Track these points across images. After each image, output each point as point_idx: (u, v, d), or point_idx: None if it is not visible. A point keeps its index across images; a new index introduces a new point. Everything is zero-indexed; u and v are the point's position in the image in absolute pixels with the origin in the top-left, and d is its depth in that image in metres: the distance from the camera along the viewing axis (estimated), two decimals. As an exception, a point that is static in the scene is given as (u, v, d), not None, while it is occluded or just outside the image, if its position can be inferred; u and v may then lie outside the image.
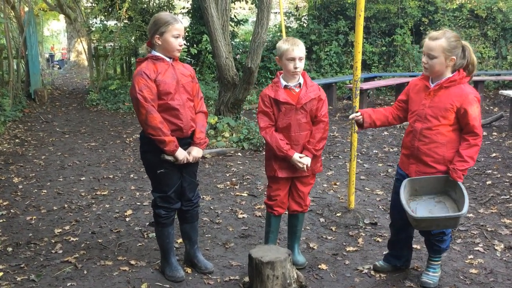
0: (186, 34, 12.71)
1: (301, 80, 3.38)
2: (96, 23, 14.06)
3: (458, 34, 3.07)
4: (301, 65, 3.31)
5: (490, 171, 5.86)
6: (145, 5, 13.48)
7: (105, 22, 13.89)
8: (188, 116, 3.25)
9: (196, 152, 3.30)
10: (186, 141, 3.30)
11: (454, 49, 2.97)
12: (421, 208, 3.08)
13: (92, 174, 6.07)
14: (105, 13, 13.43)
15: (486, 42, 13.36)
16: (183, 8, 14.02)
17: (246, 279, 3.34)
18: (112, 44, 13.34)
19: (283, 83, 3.37)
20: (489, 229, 4.20)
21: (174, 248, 3.63)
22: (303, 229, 4.22)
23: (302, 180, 3.49)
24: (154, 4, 14.05)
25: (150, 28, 3.20)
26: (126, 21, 12.91)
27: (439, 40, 2.96)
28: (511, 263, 3.59)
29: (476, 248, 3.83)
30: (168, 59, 3.22)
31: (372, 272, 3.48)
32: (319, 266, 3.59)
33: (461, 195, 2.97)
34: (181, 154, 3.20)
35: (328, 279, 3.42)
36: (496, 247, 3.84)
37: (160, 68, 3.16)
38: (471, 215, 4.51)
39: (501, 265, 3.57)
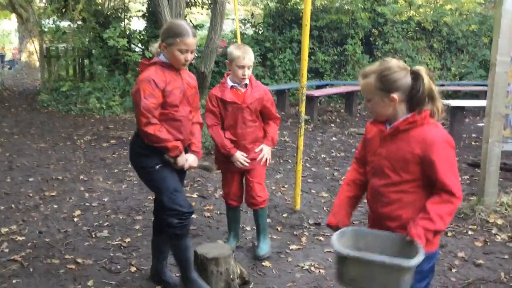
0: (141, 37, 12.65)
1: (247, 81, 3.61)
2: (48, 23, 13.82)
3: (400, 62, 2.17)
4: (249, 72, 3.55)
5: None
6: (100, 7, 13.37)
7: (58, 22, 13.68)
8: (188, 129, 3.16)
9: (192, 160, 3.17)
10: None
11: (391, 84, 2.11)
12: None
13: (41, 175, 6.03)
14: (58, 14, 13.22)
15: (432, 53, 13.97)
16: (139, 11, 13.95)
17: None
18: (65, 45, 13.16)
19: (230, 83, 3.61)
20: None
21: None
22: (249, 229, 4.37)
23: (253, 174, 3.77)
24: (109, 6, 13.94)
25: (162, 33, 3.04)
26: (79, 22, 12.76)
27: (367, 78, 2.17)
28: None
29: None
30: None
31: (312, 268, 3.66)
32: (263, 263, 3.73)
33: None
34: (182, 159, 3.09)
35: (271, 275, 3.58)
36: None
37: (168, 77, 3.00)
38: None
39: None
